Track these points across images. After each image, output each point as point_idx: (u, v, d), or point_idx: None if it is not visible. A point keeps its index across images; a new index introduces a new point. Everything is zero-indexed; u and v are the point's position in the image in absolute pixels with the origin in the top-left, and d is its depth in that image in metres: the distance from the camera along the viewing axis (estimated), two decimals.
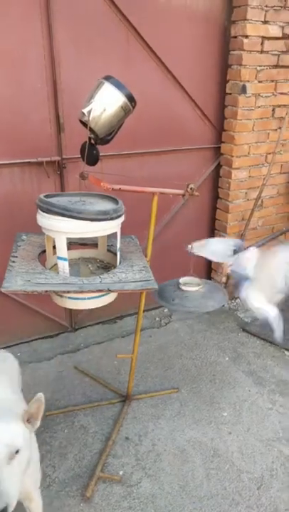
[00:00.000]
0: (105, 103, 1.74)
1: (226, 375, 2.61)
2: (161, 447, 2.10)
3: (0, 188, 2.43)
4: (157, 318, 3.20)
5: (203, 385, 2.52)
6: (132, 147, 2.71)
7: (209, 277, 3.43)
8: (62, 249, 1.78)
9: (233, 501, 1.85)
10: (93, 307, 1.94)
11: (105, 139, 1.91)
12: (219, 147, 3.03)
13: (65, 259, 1.80)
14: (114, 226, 1.83)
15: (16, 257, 1.91)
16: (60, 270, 1.82)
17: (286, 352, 2.82)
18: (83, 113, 1.75)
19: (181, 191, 2.02)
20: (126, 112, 1.79)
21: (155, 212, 2.02)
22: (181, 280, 2.07)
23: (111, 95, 1.74)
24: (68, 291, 1.73)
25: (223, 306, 2.40)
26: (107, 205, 1.86)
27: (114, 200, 1.92)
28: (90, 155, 1.90)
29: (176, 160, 2.92)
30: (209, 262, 3.33)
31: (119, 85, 1.74)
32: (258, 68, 2.75)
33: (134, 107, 1.80)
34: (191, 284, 2.06)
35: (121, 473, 1.96)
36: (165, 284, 2.11)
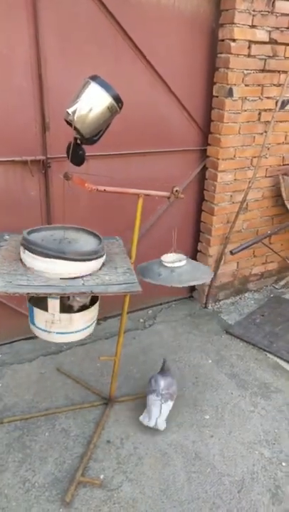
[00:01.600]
0: (91, 103, 1.72)
1: (209, 377, 2.62)
2: (143, 451, 2.09)
3: None
4: (141, 320, 3.19)
5: (186, 388, 2.52)
6: (118, 148, 2.69)
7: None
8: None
9: (214, 505, 1.85)
10: (81, 338, 1.96)
11: (92, 140, 1.88)
12: (205, 149, 3.04)
13: (56, 298, 1.80)
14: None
15: None
16: (49, 309, 1.82)
17: (269, 355, 2.84)
18: (68, 113, 1.72)
19: (166, 193, 2.02)
20: (112, 112, 1.77)
21: (140, 214, 2.01)
22: (163, 257, 2.05)
23: (97, 95, 1.71)
24: (50, 294, 1.71)
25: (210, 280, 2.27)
26: (91, 242, 1.93)
27: (96, 236, 1.97)
28: (76, 155, 1.87)
29: (162, 161, 2.91)
30: (195, 244, 3.34)
31: (105, 86, 1.72)
32: (245, 72, 2.76)
33: (120, 108, 1.78)
34: (174, 261, 2.05)
35: (102, 477, 1.95)
36: (148, 263, 2.09)
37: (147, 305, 3.32)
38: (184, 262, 2.04)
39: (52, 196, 2.58)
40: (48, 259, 1.74)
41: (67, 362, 2.68)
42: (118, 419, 2.27)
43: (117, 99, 1.74)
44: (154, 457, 2.06)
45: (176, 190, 2.01)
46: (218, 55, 2.75)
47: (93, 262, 1.82)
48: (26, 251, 1.78)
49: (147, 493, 1.89)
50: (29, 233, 1.87)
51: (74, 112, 1.71)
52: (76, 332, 1.93)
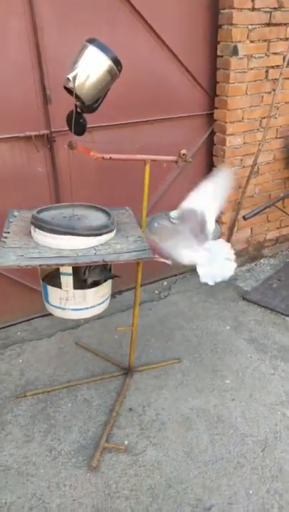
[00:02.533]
0: (91, 67, 1.66)
1: (228, 343, 2.61)
2: (165, 416, 2.12)
3: None
4: (156, 291, 3.19)
5: (204, 355, 2.52)
6: (122, 117, 2.62)
7: None
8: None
9: (238, 464, 1.87)
10: (97, 314, 1.96)
11: (92, 107, 1.83)
12: (212, 113, 2.95)
13: (69, 275, 1.79)
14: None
15: (8, 232, 1.88)
16: (62, 285, 1.83)
17: (287, 318, 2.82)
18: (68, 79, 1.67)
19: (173, 158, 1.97)
20: (112, 76, 1.71)
21: (148, 181, 1.97)
22: (172, 213, 2.01)
23: (96, 59, 1.66)
24: (62, 265, 1.71)
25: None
26: (99, 217, 1.92)
27: (105, 212, 1.96)
28: (77, 124, 1.82)
29: (168, 129, 2.84)
30: None
31: (104, 48, 1.66)
32: (250, 27, 2.64)
33: (120, 71, 1.72)
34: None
35: (126, 442, 1.98)
36: (155, 215, 2.04)
37: (162, 276, 3.31)
38: None
39: (59, 171, 2.55)
40: (59, 236, 1.74)
41: (86, 336, 2.71)
42: (139, 387, 2.29)
43: (116, 62, 1.68)
44: (177, 422, 2.09)
45: (184, 154, 1.96)
46: (221, 11, 2.63)
47: (104, 236, 1.82)
48: (37, 229, 1.78)
49: (171, 455, 1.92)
50: (39, 212, 1.87)
51: (74, 78, 1.66)
52: (91, 308, 1.95)
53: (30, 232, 1.86)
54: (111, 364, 2.46)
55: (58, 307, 1.94)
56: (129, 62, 2.50)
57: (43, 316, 2.88)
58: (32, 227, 1.82)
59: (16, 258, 1.66)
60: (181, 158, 1.96)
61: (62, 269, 1.80)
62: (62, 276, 1.82)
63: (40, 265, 1.66)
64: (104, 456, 1.92)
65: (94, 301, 1.95)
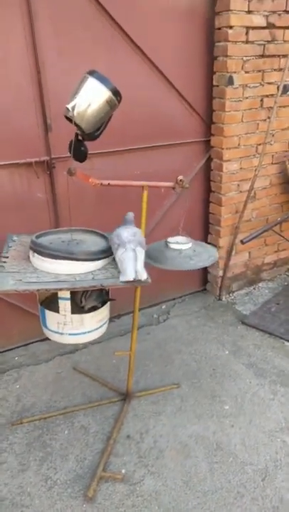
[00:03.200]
0: (90, 98, 1.71)
1: (227, 368, 2.59)
2: (164, 444, 2.08)
3: None
4: (155, 315, 3.18)
5: (203, 380, 2.50)
6: (121, 144, 2.69)
7: (206, 270, 3.41)
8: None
9: (238, 494, 1.83)
10: (94, 338, 1.97)
11: (93, 135, 1.88)
12: (209, 140, 3.02)
13: (66, 299, 1.81)
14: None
15: (7, 257, 1.89)
16: (60, 310, 1.84)
17: (286, 342, 2.81)
18: (68, 109, 1.72)
19: (171, 184, 2.00)
20: (111, 106, 1.76)
21: (146, 206, 2.00)
22: (170, 239, 1.99)
23: (95, 90, 1.71)
24: (60, 289, 1.72)
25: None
26: (99, 241, 1.95)
27: (104, 237, 1.99)
28: (79, 151, 1.87)
29: (166, 155, 2.90)
30: (205, 236, 3.30)
31: (103, 79, 1.72)
32: (244, 58, 2.73)
33: (119, 101, 1.78)
34: (180, 243, 1.96)
35: (123, 471, 1.94)
36: (154, 244, 2.05)
37: (160, 300, 3.31)
38: (190, 245, 1.95)
39: (58, 196, 2.59)
40: (56, 261, 1.75)
41: (84, 360, 2.69)
42: (137, 413, 2.26)
43: (116, 93, 1.74)
44: (175, 449, 2.05)
45: (181, 180, 1.99)
46: (216, 44, 2.73)
47: (101, 261, 1.83)
48: (35, 254, 1.80)
49: (170, 485, 1.88)
50: (37, 237, 1.89)
51: (73, 108, 1.71)
52: (88, 332, 1.95)
53: (28, 256, 1.87)
54: (109, 389, 2.43)
55: (55, 332, 1.94)
56: (128, 91, 2.56)
57: (41, 340, 2.87)
58: (31, 252, 1.84)
59: (13, 282, 1.67)
60: (178, 184, 1.99)
61: (60, 294, 1.81)
62: (60, 301, 1.83)
63: (38, 290, 1.67)
64: (100, 485, 1.88)
65: (92, 325, 1.95)
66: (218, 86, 2.82)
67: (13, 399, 2.37)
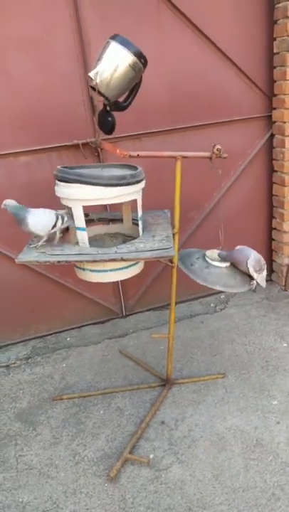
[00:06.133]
0: (113, 63, 1.67)
1: (282, 361, 2.34)
2: (198, 433, 1.94)
3: (40, 173, 2.49)
4: (212, 305, 3.02)
5: (253, 372, 2.28)
6: (173, 122, 2.58)
7: (270, 259, 3.14)
8: (79, 219, 1.73)
9: (273, 496, 1.62)
10: (117, 279, 1.87)
11: (121, 106, 1.83)
12: (271, 115, 2.77)
13: (83, 229, 1.76)
14: (131, 192, 1.73)
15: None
16: (79, 241, 1.78)
17: None
18: (90, 77, 1.69)
19: (207, 154, 1.86)
20: (136, 70, 1.69)
21: (179, 178, 1.88)
22: (209, 252, 1.91)
23: (118, 54, 1.66)
24: (81, 262, 1.69)
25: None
26: (125, 172, 1.79)
27: (134, 168, 1.83)
28: (106, 122, 1.84)
29: (223, 133, 2.72)
30: (269, 221, 3.06)
31: (126, 43, 1.65)
32: None
33: (144, 65, 1.70)
34: (218, 260, 1.91)
35: (151, 456, 1.85)
36: (192, 250, 1.95)
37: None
38: (224, 265, 1.90)
39: None
40: (74, 185, 1.66)
41: (131, 345, 2.64)
42: (175, 400, 2.15)
43: (139, 56, 1.66)
44: (210, 441, 1.89)
45: (218, 149, 1.84)
46: (276, 6, 2.49)
47: (118, 188, 1.67)
48: (58, 181, 1.72)
49: (198, 476, 1.73)
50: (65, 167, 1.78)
51: (96, 75, 1.68)
52: (110, 271, 1.80)
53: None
54: (151, 374, 2.35)
55: (77, 267, 1.85)
56: (179, 67, 2.49)
57: (94, 323, 2.90)
58: (55, 181, 1.75)
59: (37, 255, 1.69)
60: (215, 154, 1.85)
61: (77, 224, 1.73)
62: (77, 231, 1.75)
63: (58, 262, 1.66)
64: (126, 467, 1.81)
65: (113, 264, 1.78)
66: (278, 53, 2.57)
67: (58, 376, 2.42)
